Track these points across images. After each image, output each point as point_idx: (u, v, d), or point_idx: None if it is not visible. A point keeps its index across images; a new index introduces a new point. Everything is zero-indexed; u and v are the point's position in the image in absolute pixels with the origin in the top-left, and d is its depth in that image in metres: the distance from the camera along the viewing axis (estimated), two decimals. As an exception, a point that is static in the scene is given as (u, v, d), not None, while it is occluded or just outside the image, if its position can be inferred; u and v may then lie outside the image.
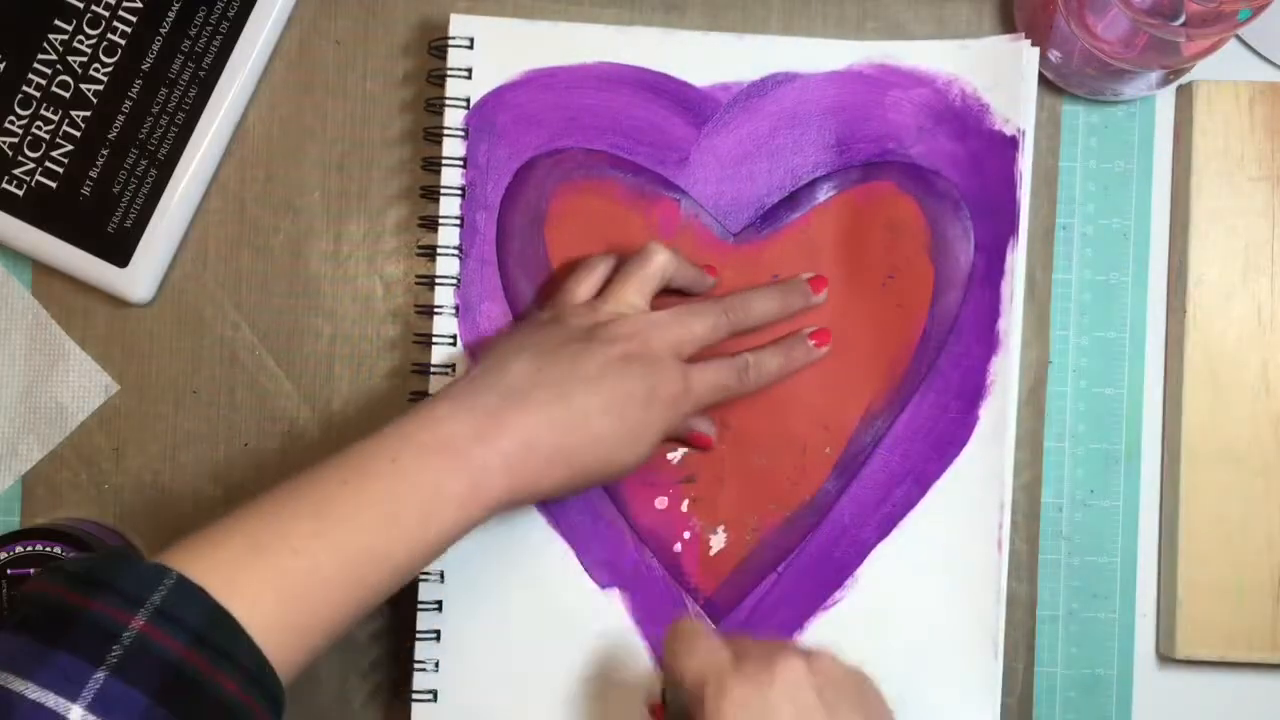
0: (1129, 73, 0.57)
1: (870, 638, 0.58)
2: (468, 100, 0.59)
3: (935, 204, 0.59)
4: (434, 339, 0.59)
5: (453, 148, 0.59)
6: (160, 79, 0.59)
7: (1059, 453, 0.61)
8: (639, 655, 0.59)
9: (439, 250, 0.59)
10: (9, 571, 0.56)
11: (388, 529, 0.47)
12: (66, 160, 0.59)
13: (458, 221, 0.59)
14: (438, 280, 0.59)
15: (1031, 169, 0.59)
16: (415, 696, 0.58)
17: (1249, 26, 0.51)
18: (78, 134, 0.59)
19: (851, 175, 0.60)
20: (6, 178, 0.59)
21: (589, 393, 0.51)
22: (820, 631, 0.59)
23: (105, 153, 0.59)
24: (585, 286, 0.57)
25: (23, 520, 0.60)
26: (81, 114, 0.59)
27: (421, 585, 0.58)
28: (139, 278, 0.59)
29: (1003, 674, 0.58)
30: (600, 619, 0.59)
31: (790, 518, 0.60)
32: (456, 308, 0.59)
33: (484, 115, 0.59)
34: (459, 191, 0.59)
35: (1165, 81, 0.59)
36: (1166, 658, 0.61)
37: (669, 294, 0.58)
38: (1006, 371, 0.59)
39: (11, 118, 0.59)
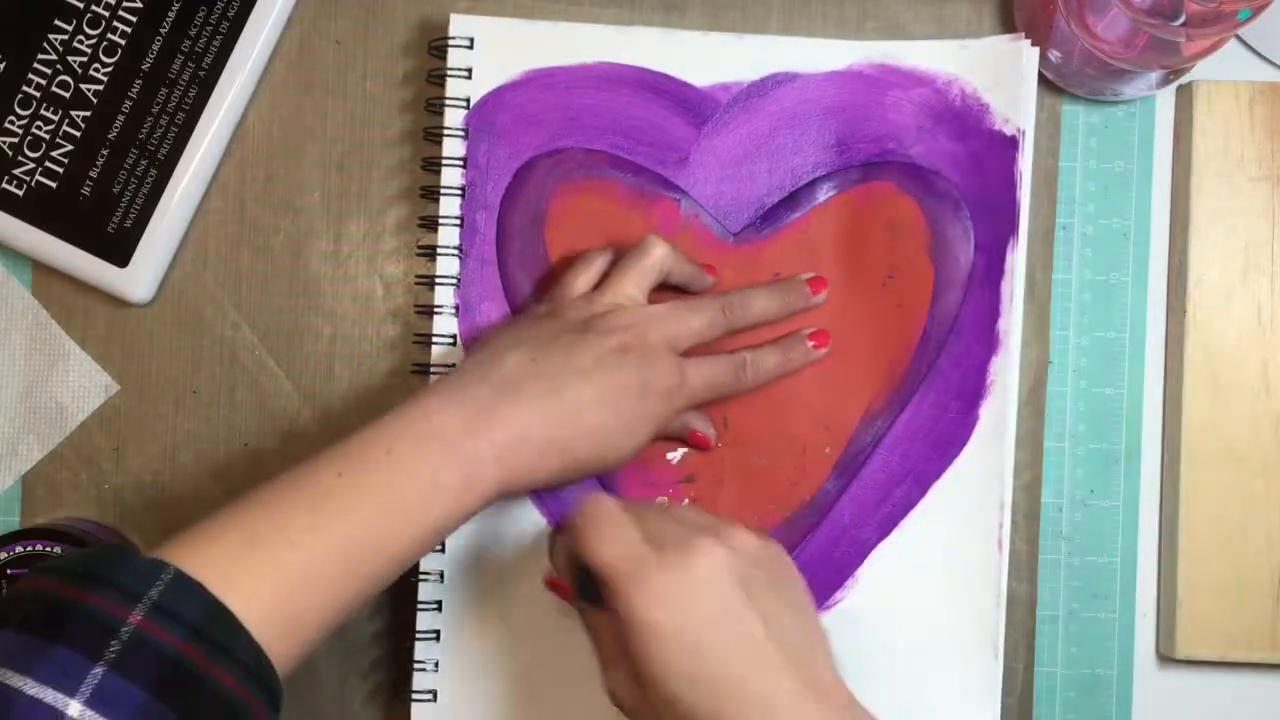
0: (1129, 73, 0.57)
1: (870, 638, 0.58)
2: (468, 100, 0.59)
3: (935, 204, 0.59)
4: (434, 339, 0.59)
5: (453, 148, 0.59)
6: (160, 79, 0.59)
7: (1059, 453, 0.61)
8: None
9: (439, 250, 0.59)
10: (9, 571, 0.56)
11: (385, 521, 0.47)
12: (66, 160, 0.59)
13: (458, 221, 0.59)
14: (438, 280, 0.59)
15: (1031, 169, 0.59)
16: (415, 696, 0.58)
17: (1249, 26, 0.51)
18: (78, 134, 0.59)
19: (851, 175, 0.60)
20: (6, 178, 0.59)
21: (583, 384, 0.51)
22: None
23: (105, 153, 0.59)
24: (583, 280, 0.57)
25: (23, 520, 0.60)
26: (81, 114, 0.59)
27: (421, 585, 0.58)
28: (139, 278, 0.59)
29: (1003, 674, 0.58)
30: (600, 619, 0.59)
31: (790, 518, 0.60)
32: (456, 308, 0.59)
33: (484, 115, 0.59)
34: (459, 191, 0.59)
35: (1165, 81, 0.59)
36: (1166, 658, 0.61)
37: (668, 293, 0.58)
38: (1006, 371, 0.59)
39: (11, 118, 0.59)
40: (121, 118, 0.59)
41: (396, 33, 0.61)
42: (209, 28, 0.59)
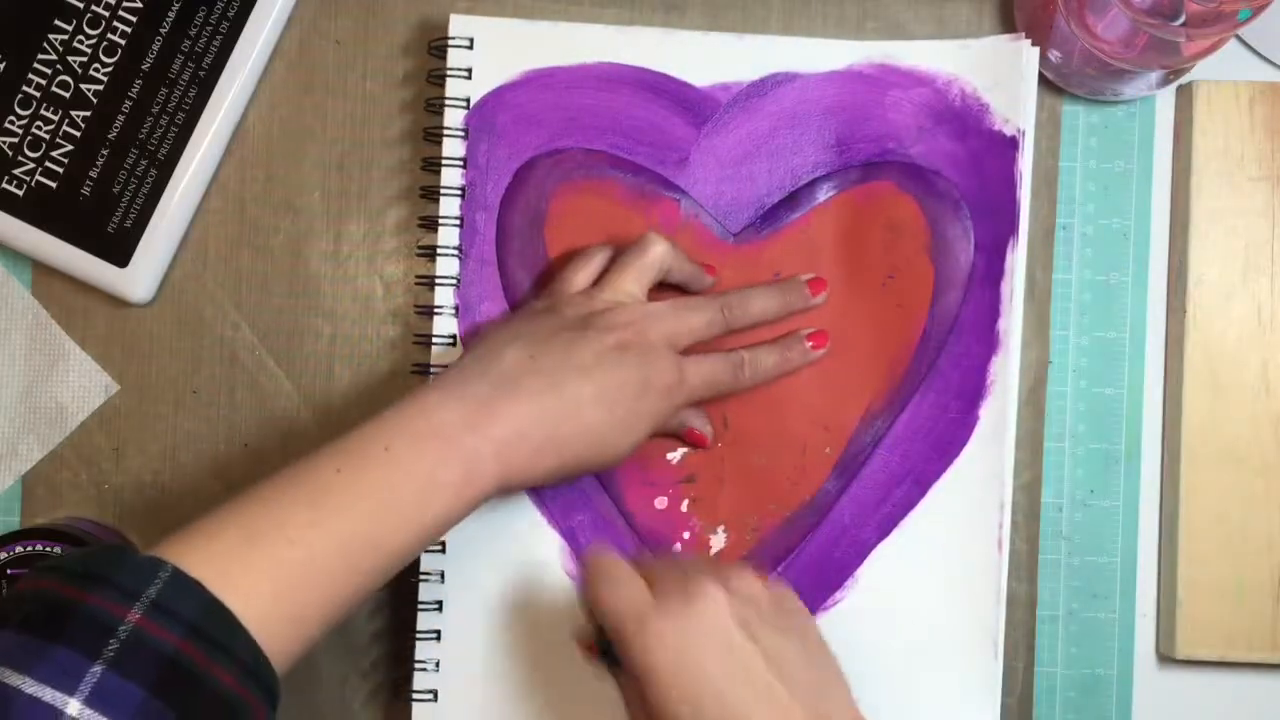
0: (1129, 73, 0.57)
1: (870, 638, 0.58)
2: (468, 100, 0.59)
3: (935, 204, 0.59)
4: (434, 339, 0.59)
5: (452, 148, 0.59)
6: (160, 79, 0.59)
7: (1059, 453, 0.61)
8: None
9: (439, 250, 0.59)
10: (9, 571, 0.56)
11: (383, 517, 0.47)
12: (66, 160, 0.59)
13: (457, 222, 0.59)
14: (438, 280, 0.59)
15: (1031, 169, 0.59)
16: (415, 696, 0.58)
17: (1249, 26, 0.51)
18: (78, 134, 0.59)
19: (851, 175, 0.60)
20: (6, 178, 0.59)
21: (581, 381, 0.51)
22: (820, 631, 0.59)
23: (105, 153, 0.59)
24: (582, 275, 0.57)
25: (23, 520, 0.60)
26: (81, 114, 0.59)
27: (421, 585, 0.58)
28: (139, 278, 0.59)
29: (1003, 674, 0.58)
30: (600, 619, 0.59)
31: (790, 518, 0.60)
32: (456, 308, 0.59)
33: (484, 115, 0.59)
34: (459, 192, 0.59)
35: (1165, 81, 0.59)
36: (1166, 658, 0.61)
37: (667, 292, 0.58)
38: (1006, 371, 0.59)
39: (11, 118, 0.59)
40: (121, 118, 0.59)
41: (396, 33, 0.61)
42: (209, 28, 0.59)
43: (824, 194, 0.60)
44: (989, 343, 0.59)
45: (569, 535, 0.59)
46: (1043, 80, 0.60)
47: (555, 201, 0.60)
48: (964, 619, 0.58)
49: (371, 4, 0.61)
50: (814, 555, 0.59)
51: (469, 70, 0.59)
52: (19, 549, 0.56)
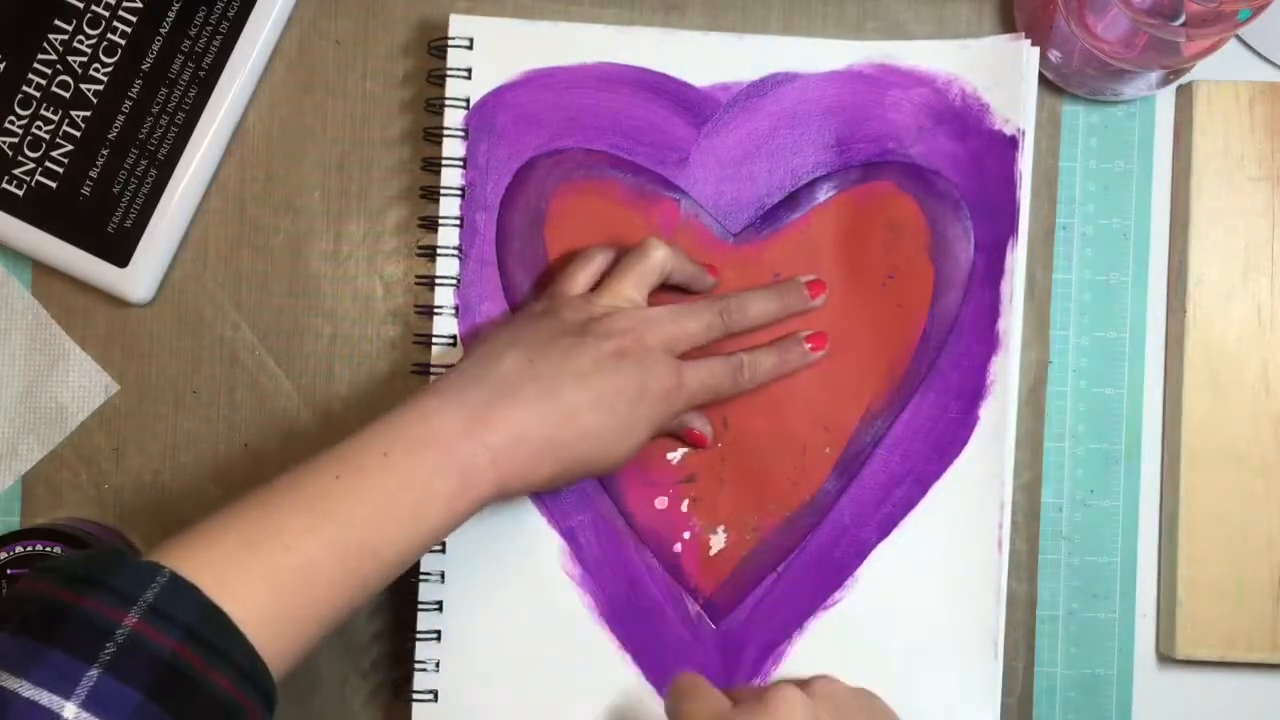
0: (1129, 73, 0.57)
1: (870, 638, 0.58)
2: (467, 100, 0.59)
3: (935, 204, 0.59)
4: (434, 339, 0.59)
5: (452, 148, 0.59)
6: (160, 79, 0.59)
7: (1059, 453, 0.61)
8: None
9: (439, 251, 0.59)
10: (9, 571, 0.56)
11: (381, 524, 0.47)
12: (66, 160, 0.59)
13: (457, 222, 0.59)
14: (438, 280, 0.59)
15: (1031, 169, 0.59)
16: (415, 696, 0.58)
17: (1249, 26, 0.51)
18: (78, 134, 0.59)
19: (851, 175, 0.60)
20: (6, 178, 0.59)
21: (580, 388, 0.51)
22: (820, 631, 0.59)
23: (105, 153, 0.59)
24: (581, 279, 0.57)
25: (23, 520, 0.60)
26: (81, 114, 0.59)
27: (421, 585, 0.58)
28: (139, 278, 0.59)
29: (1003, 674, 0.58)
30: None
31: (790, 518, 0.60)
32: (456, 308, 0.59)
33: (484, 115, 0.59)
34: (459, 192, 0.59)
35: (1165, 81, 0.59)
36: (1166, 658, 0.61)
37: (668, 292, 0.58)
38: (1006, 371, 0.59)
39: (11, 118, 0.59)
40: (121, 118, 0.59)
41: (396, 33, 0.61)
42: (209, 28, 0.59)
43: (824, 194, 0.60)
44: (989, 343, 0.59)
45: (569, 535, 0.59)
46: (1043, 80, 0.60)
47: (555, 201, 0.60)
48: (964, 619, 0.58)
49: (371, 4, 0.61)
50: (814, 555, 0.59)
51: (469, 70, 0.59)
52: (19, 549, 0.56)
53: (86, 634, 0.40)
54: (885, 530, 0.59)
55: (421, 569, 0.58)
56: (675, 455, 0.60)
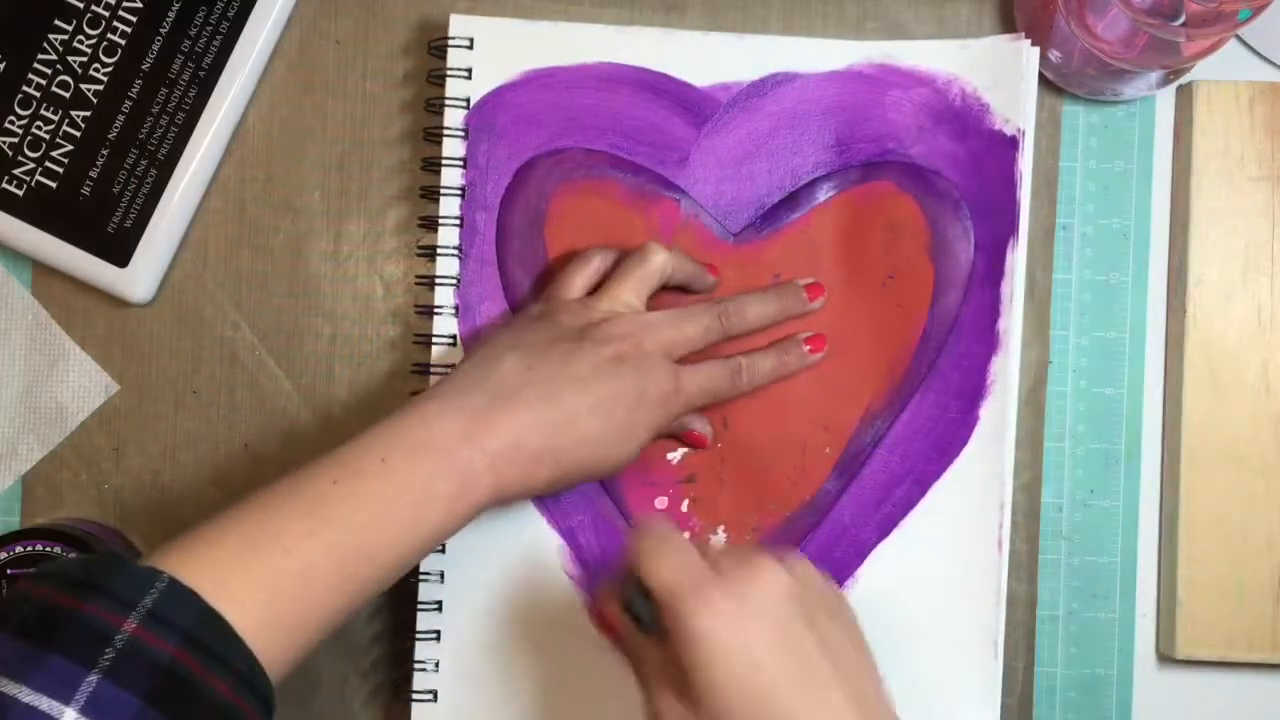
0: (1129, 73, 0.57)
1: (870, 637, 0.58)
2: (467, 100, 0.59)
3: (935, 204, 0.59)
4: (434, 339, 0.59)
5: (452, 148, 0.59)
6: (160, 79, 0.59)
7: (1059, 453, 0.61)
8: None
9: (439, 250, 0.59)
10: (9, 571, 0.56)
11: (379, 528, 0.47)
12: (66, 160, 0.59)
13: (457, 222, 0.59)
14: (438, 280, 0.59)
15: (1031, 169, 0.59)
16: (415, 696, 0.58)
17: (1249, 26, 0.51)
18: (78, 134, 0.59)
19: (851, 175, 0.60)
20: (6, 178, 0.59)
21: (578, 393, 0.51)
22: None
23: (105, 153, 0.59)
24: (578, 281, 0.57)
25: (23, 520, 0.60)
26: (81, 114, 0.59)
27: (421, 585, 0.58)
28: (139, 278, 0.59)
29: (1003, 674, 0.58)
30: (600, 619, 0.59)
31: (790, 518, 0.60)
32: (456, 308, 0.59)
33: (484, 115, 0.59)
34: (459, 192, 0.59)
35: (1165, 81, 0.59)
36: (1166, 658, 0.61)
37: (668, 292, 0.58)
38: (1006, 371, 0.59)
39: (11, 118, 0.59)
40: (121, 118, 0.59)
41: (396, 33, 0.61)
42: (209, 28, 0.59)
43: (824, 194, 0.60)
44: (989, 343, 0.59)
45: (569, 536, 0.59)
46: (1043, 80, 0.60)
47: (555, 201, 0.60)
48: (964, 619, 0.58)
49: (371, 4, 0.61)
50: (814, 555, 0.59)
51: (469, 70, 0.59)
52: (19, 549, 0.56)
53: (86, 639, 0.40)
54: (885, 530, 0.59)
55: (421, 569, 0.58)
56: (675, 455, 0.60)
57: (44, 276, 0.61)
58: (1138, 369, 0.61)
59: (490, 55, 0.59)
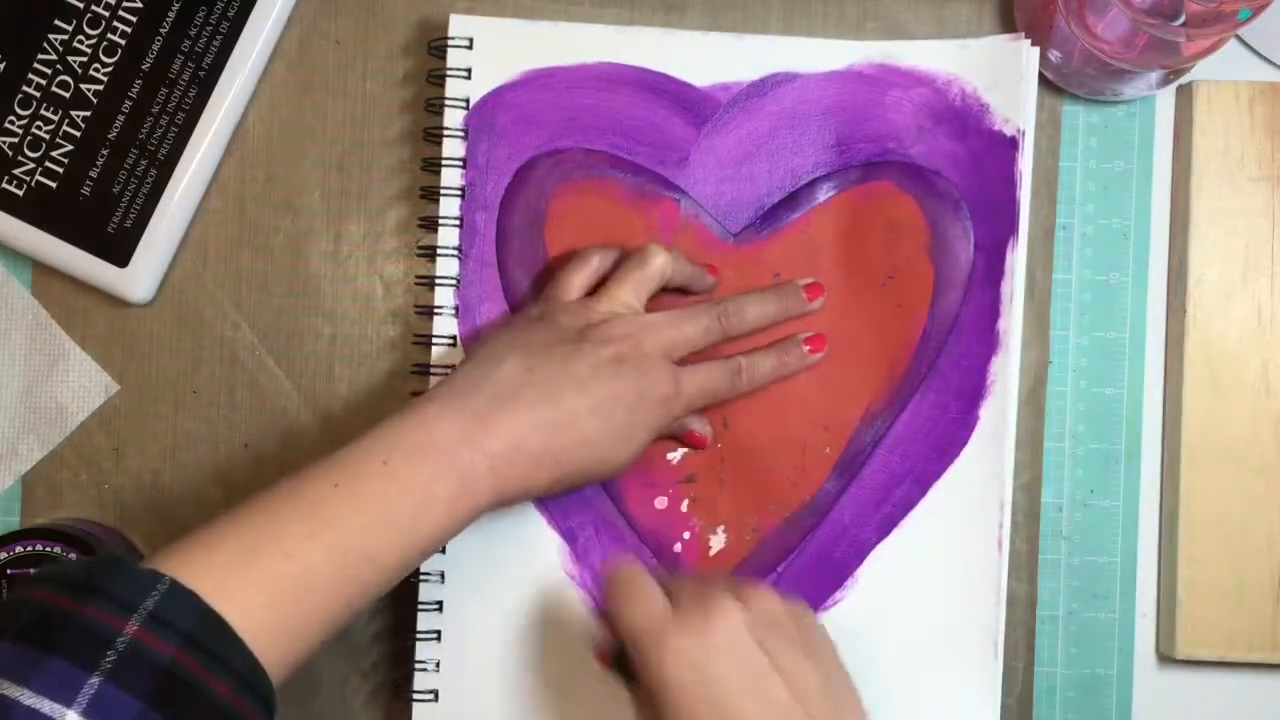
0: (1129, 73, 0.57)
1: (870, 638, 0.58)
2: (467, 100, 0.59)
3: (935, 204, 0.59)
4: (434, 339, 0.59)
5: (452, 148, 0.59)
6: (160, 79, 0.59)
7: (1059, 453, 0.61)
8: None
9: (439, 251, 0.59)
10: (9, 571, 0.56)
11: (380, 531, 0.47)
12: (66, 160, 0.59)
13: (457, 222, 0.59)
14: (438, 281, 0.59)
15: (1031, 169, 0.59)
16: (416, 696, 0.58)
17: (1249, 26, 0.51)
18: (78, 134, 0.59)
19: (851, 175, 0.60)
20: (6, 178, 0.59)
21: (578, 394, 0.51)
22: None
23: (105, 153, 0.59)
24: (577, 282, 0.57)
25: (23, 520, 0.60)
26: (81, 114, 0.59)
27: (421, 585, 0.58)
28: (139, 278, 0.59)
29: (1003, 674, 0.58)
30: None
31: (790, 518, 0.60)
32: (456, 308, 0.59)
33: (484, 115, 0.59)
34: (459, 192, 0.59)
35: (1165, 81, 0.59)
36: (1166, 658, 0.61)
37: (668, 292, 0.58)
38: (1006, 371, 0.59)
39: (11, 118, 0.59)
40: (121, 118, 0.59)
41: (396, 33, 0.61)
42: (209, 28, 0.59)
43: (824, 194, 0.60)
44: (989, 343, 0.59)
45: (569, 536, 0.59)
46: (1043, 80, 0.60)
47: (555, 202, 0.60)
48: (964, 619, 0.58)
49: (371, 4, 0.61)
50: (814, 555, 0.59)
51: (469, 70, 0.59)
52: (19, 549, 0.56)
53: (87, 642, 0.40)
54: (885, 530, 0.59)
55: (421, 569, 0.58)
56: (675, 455, 0.60)
57: (44, 276, 0.61)
58: (1138, 369, 0.61)
59: (490, 55, 0.59)
